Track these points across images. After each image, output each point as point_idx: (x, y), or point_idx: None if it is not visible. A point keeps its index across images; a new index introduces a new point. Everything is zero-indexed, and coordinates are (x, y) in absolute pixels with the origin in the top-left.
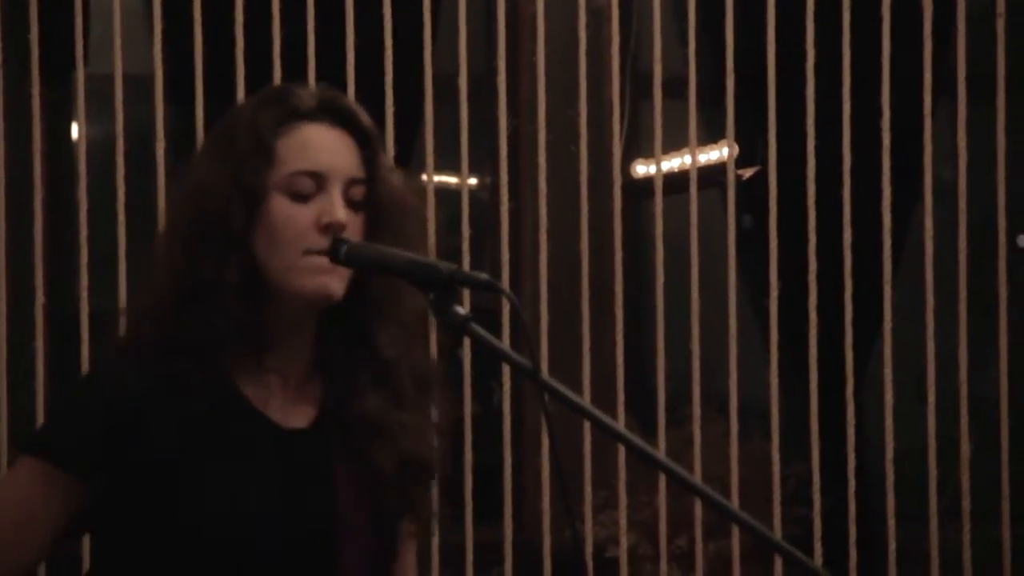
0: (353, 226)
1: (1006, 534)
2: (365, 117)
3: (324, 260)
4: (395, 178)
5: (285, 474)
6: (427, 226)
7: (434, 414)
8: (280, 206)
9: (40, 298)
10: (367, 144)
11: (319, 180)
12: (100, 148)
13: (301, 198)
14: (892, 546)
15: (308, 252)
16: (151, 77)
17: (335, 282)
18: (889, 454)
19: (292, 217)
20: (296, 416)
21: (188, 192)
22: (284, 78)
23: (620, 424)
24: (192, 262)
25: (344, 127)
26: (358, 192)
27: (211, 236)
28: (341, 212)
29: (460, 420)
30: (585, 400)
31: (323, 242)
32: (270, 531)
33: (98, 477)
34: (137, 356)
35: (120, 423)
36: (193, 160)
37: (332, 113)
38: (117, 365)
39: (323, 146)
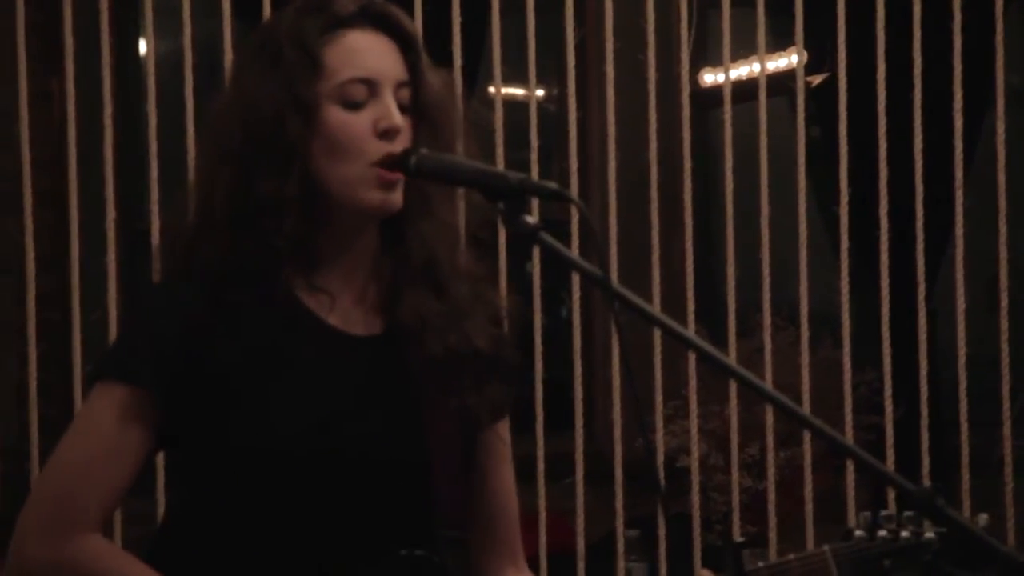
0: (403, 129)
1: None
2: (406, 19)
3: (388, 172)
4: (438, 80)
5: (361, 380)
6: (467, 127)
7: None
8: (335, 115)
9: (111, 212)
10: (410, 47)
11: (371, 86)
12: (168, 63)
13: (355, 106)
14: (965, 452)
15: (375, 164)
16: None
17: (398, 194)
18: (961, 360)
19: (349, 125)
20: (363, 324)
21: (236, 109)
22: None
23: (691, 333)
24: (249, 180)
25: (386, 31)
26: (404, 95)
27: (268, 152)
28: (397, 116)
29: (530, 330)
30: (655, 310)
31: (383, 148)
32: (350, 439)
33: (172, 392)
34: (190, 276)
35: (186, 338)
36: (233, 76)
37: (373, 18)
38: (175, 286)
39: (370, 51)
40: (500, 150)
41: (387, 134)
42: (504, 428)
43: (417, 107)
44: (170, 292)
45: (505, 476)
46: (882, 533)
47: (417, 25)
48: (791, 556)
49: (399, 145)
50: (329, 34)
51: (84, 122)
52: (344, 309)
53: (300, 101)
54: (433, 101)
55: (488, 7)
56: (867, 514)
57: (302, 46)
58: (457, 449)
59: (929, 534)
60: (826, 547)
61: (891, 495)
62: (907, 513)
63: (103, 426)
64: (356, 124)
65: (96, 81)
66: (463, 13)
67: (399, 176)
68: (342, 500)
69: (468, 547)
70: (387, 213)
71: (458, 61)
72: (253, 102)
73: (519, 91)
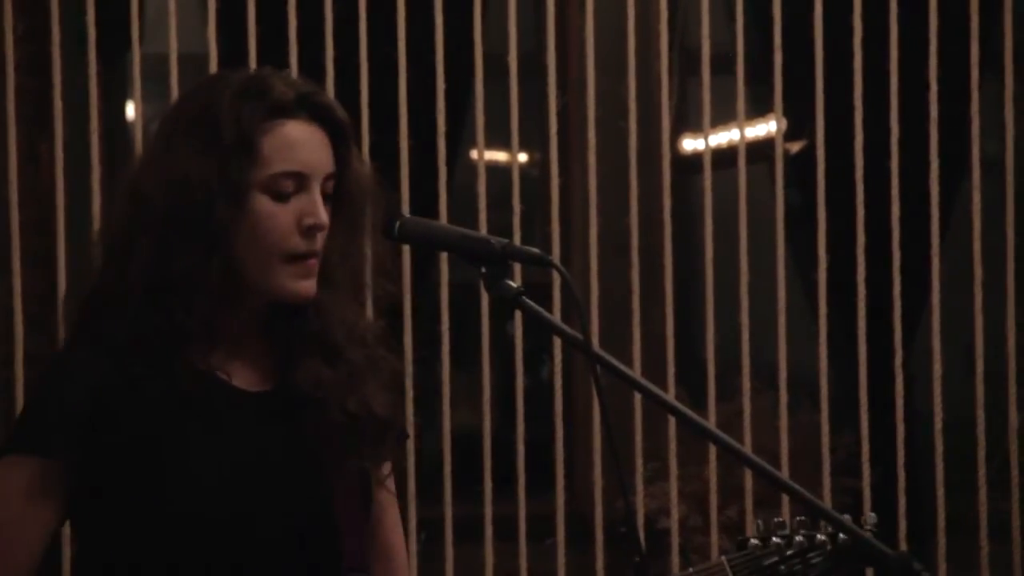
0: (325, 226)
1: None
2: (340, 111)
3: (304, 265)
4: (362, 167)
5: (264, 436)
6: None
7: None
8: (263, 205)
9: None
10: (341, 138)
11: (300, 180)
12: None
13: (282, 197)
14: (941, 516)
15: (293, 258)
16: (206, 57)
17: (313, 283)
18: (938, 425)
19: (275, 217)
20: (257, 381)
21: (162, 179)
22: (336, 58)
23: (670, 397)
24: (168, 254)
25: (320, 122)
26: (329, 186)
27: (190, 230)
28: (323, 214)
29: (512, 391)
30: (635, 373)
31: (303, 245)
32: (263, 497)
33: (81, 459)
34: (97, 345)
35: (92, 406)
36: (162, 142)
37: (309, 108)
38: (80, 354)
39: (305, 145)
40: (483, 215)
41: (311, 230)
42: (391, 482)
43: (339, 196)
44: (75, 361)
45: (394, 519)
46: (775, 540)
47: (402, 89)
48: (690, 570)
49: (319, 240)
50: (269, 122)
51: (72, 185)
52: (233, 366)
53: (232, 186)
54: (356, 192)
55: (472, 73)
56: (760, 522)
57: (240, 132)
58: (357, 502)
59: (821, 536)
60: (723, 557)
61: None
62: (799, 518)
63: (11, 501)
64: (282, 216)
65: (85, 145)
66: (447, 79)
67: (316, 264)
68: (256, 551)
69: None
70: (303, 301)
71: (442, 126)
72: (183, 178)
73: (502, 156)
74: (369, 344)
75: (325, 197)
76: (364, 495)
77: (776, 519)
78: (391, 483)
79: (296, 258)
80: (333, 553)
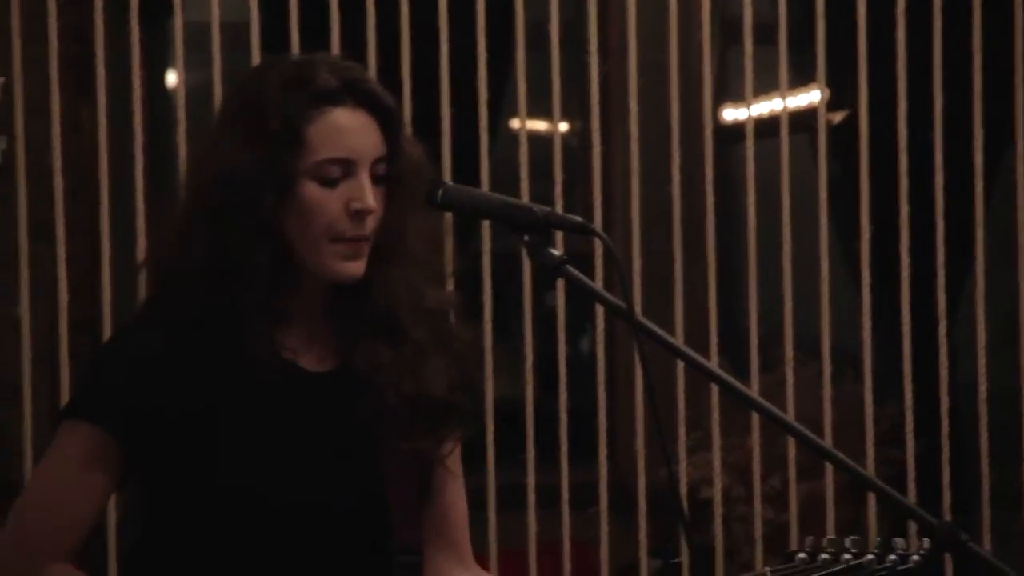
0: (376, 199)
1: None
2: (386, 95)
3: (352, 246)
4: (414, 149)
5: (325, 419)
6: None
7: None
8: (310, 192)
9: (142, 242)
10: (389, 122)
11: (347, 165)
12: (198, 95)
13: (330, 183)
14: (986, 487)
15: (341, 240)
16: (247, 25)
17: (361, 264)
18: (982, 395)
19: (323, 202)
20: (317, 361)
21: (215, 170)
22: (377, 26)
23: (714, 366)
24: (220, 243)
25: (367, 107)
26: (380, 168)
27: (241, 217)
28: (370, 198)
29: (554, 361)
30: (678, 342)
31: (351, 228)
32: (318, 474)
33: (135, 436)
34: (160, 321)
35: (149, 381)
36: (215, 132)
37: (355, 94)
38: (143, 328)
39: (351, 131)
40: (525, 184)
41: (359, 214)
42: (454, 461)
43: (392, 178)
44: (138, 334)
45: (454, 494)
46: (823, 556)
47: (443, 58)
48: None
49: (369, 224)
50: (314, 110)
51: (114, 153)
52: (300, 348)
53: (279, 175)
54: (408, 172)
55: (513, 43)
56: (811, 538)
57: (286, 121)
58: (411, 483)
59: (868, 556)
60: (767, 569)
61: (912, 529)
62: (851, 538)
63: (68, 465)
64: (329, 201)
65: (127, 113)
66: (488, 49)
67: (365, 247)
68: (304, 531)
69: (422, 571)
70: (351, 281)
71: (484, 95)
72: (233, 167)
73: (543, 125)
74: (437, 319)
75: (378, 180)
76: (422, 477)
77: (827, 537)
78: (453, 462)
79: (344, 240)
80: (383, 536)
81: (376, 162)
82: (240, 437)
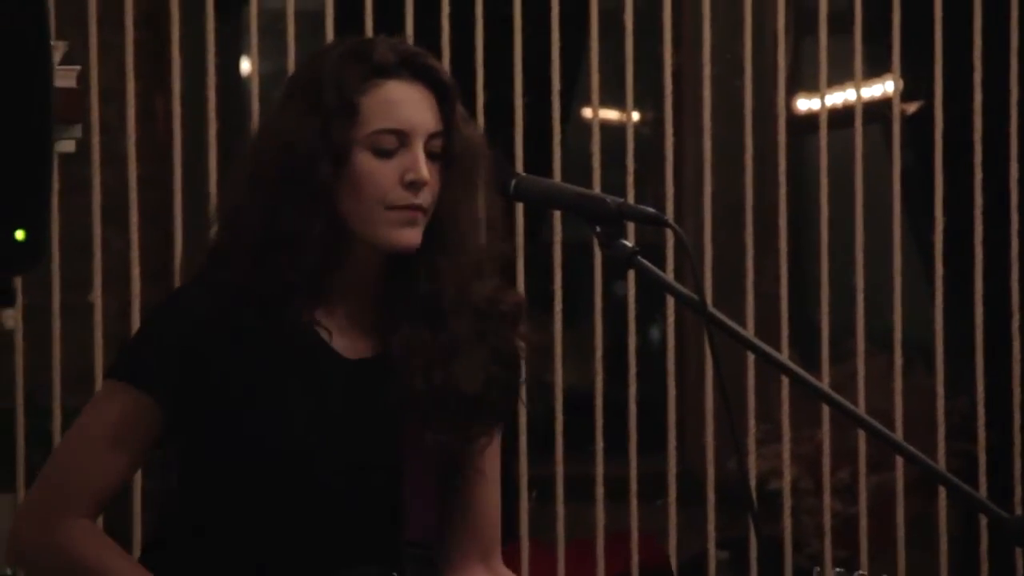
0: (432, 175)
1: None
2: (444, 71)
3: (407, 213)
4: (470, 128)
5: (349, 403)
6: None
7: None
8: (365, 162)
9: (215, 228)
10: (445, 97)
11: (402, 137)
12: (271, 82)
13: (385, 154)
14: None
15: (396, 207)
16: (322, 13)
17: (417, 233)
18: None
19: (376, 173)
20: (356, 346)
21: (273, 142)
22: (452, 15)
23: (784, 357)
24: (276, 212)
25: (424, 81)
26: (436, 144)
27: (296, 189)
28: (424, 170)
29: (624, 351)
30: (749, 334)
31: (406, 197)
32: (334, 455)
33: (175, 397)
34: (207, 291)
35: (194, 348)
36: (275, 108)
37: (412, 68)
38: (195, 293)
39: (406, 103)
40: (597, 173)
41: (413, 185)
42: (486, 460)
43: (448, 155)
44: (185, 300)
45: (483, 494)
46: None
47: (517, 47)
48: None
49: (424, 196)
50: (368, 83)
51: (189, 140)
52: (341, 330)
53: (333, 145)
54: (464, 151)
55: (587, 31)
56: (817, 569)
57: (341, 93)
58: (431, 474)
59: None
60: None
61: (983, 522)
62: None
63: (106, 422)
64: (384, 172)
65: (201, 100)
66: (562, 37)
67: (421, 216)
68: (317, 511)
69: (433, 565)
70: (407, 250)
71: (556, 84)
72: (289, 140)
73: (615, 114)
74: (483, 314)
75: (433, 156)
76: (444, 470)
77: (858, 572)
78: (485, 461)
79: (399, 208)
80: (393, 524)
81: (432, 137)
82: (267, 408)
